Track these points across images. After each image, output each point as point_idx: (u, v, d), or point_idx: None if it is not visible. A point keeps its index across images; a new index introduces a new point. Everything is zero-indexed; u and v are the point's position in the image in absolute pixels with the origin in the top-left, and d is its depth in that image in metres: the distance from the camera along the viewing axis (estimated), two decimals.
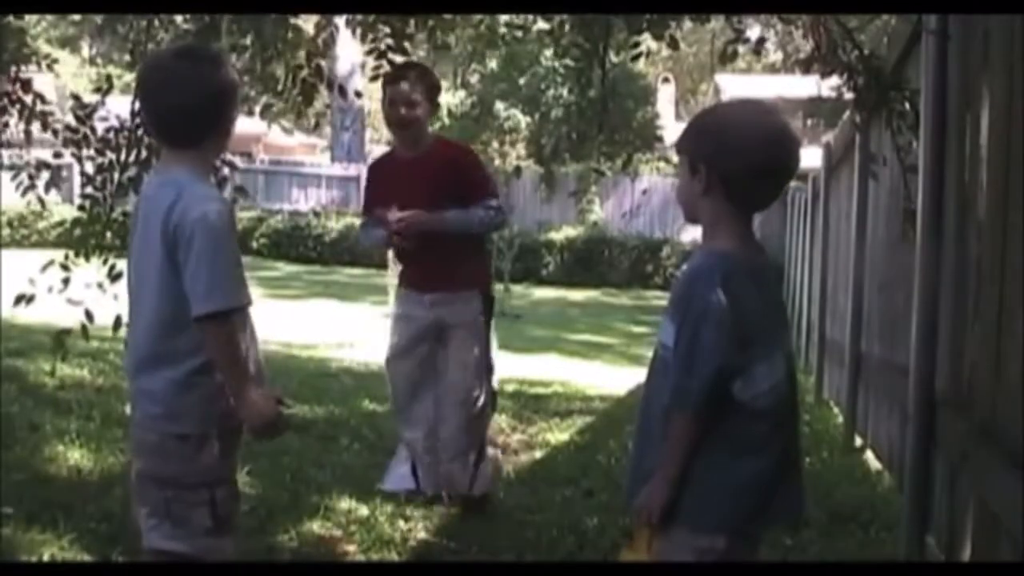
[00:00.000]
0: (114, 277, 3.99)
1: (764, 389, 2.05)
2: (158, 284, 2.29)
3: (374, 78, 4.32)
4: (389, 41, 4.16)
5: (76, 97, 4.23)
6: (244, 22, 4.06)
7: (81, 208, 4.25)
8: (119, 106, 4.32)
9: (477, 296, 4.11)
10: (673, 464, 2.05)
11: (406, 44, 4.19)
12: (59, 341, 4.18)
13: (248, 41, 4.14)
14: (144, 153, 4.14)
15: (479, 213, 4.03)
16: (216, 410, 2.32)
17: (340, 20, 4.74)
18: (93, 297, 3.88)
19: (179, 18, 4.24)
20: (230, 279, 2.26)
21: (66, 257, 4.08)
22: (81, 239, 4.17)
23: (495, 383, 4.30)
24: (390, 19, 4.12)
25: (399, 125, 4.07)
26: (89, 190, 4.17)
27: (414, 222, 3.92)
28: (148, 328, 2.33)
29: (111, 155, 4.17)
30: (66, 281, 3.97)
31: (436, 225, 3.95)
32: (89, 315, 3.99)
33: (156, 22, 4.17)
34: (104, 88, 4.25)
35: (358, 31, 4.34)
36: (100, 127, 4.25)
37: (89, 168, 4.21)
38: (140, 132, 4.13)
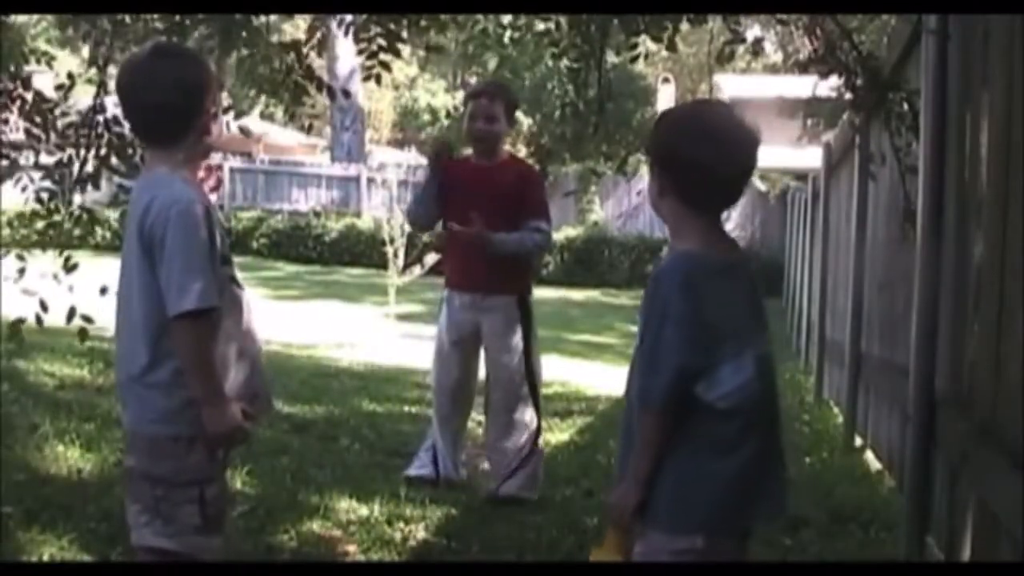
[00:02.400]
0: (69, 268, 4.06)
1: (729, 390, 2.03)
2: (139, 285, 2.30)
3: (367, 78, 4.37)
4: (382, 41, 4.15)
5: (38, 93, 4.20)
6: (214, 23, 4.05)
7: (39, 201, 4.24)
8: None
9: (513, 302, 4.31)
10: (642, 464, 2.06)
11: (399, 45, 4.18)
12: (14, 330, 4.22)
13: (215, 42, 4.13)
14: (104, 149, 4.17)
15: (533, 237, 4.28)
16: None
17: (331, 22, 4.72)
18: (49, 288, 3.99)
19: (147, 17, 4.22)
20: (201, 279, 2.24)
21: (20, 252, 4.13)
22: (41, 232, 4.23)
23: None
24: (382, 19, 4.11)
25: (478, 138, 4.31)
26: (47, 184, 4.18)
27: (478, 237, 4.14)
28: (134, 330, 2.33)
29: (71, 151, 4.17)
30: (21, 271, 4.05)
31: (496, 246, 4.19)
32: (43, 305, 4.05)
33: (127, 19, 4.17)
34: (67, 85, 4.23)
35: (351, 31, 4.33)
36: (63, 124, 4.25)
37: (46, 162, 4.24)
38: (100, 129, 4.17)
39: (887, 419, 4.53)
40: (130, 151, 4.20)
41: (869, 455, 5.16)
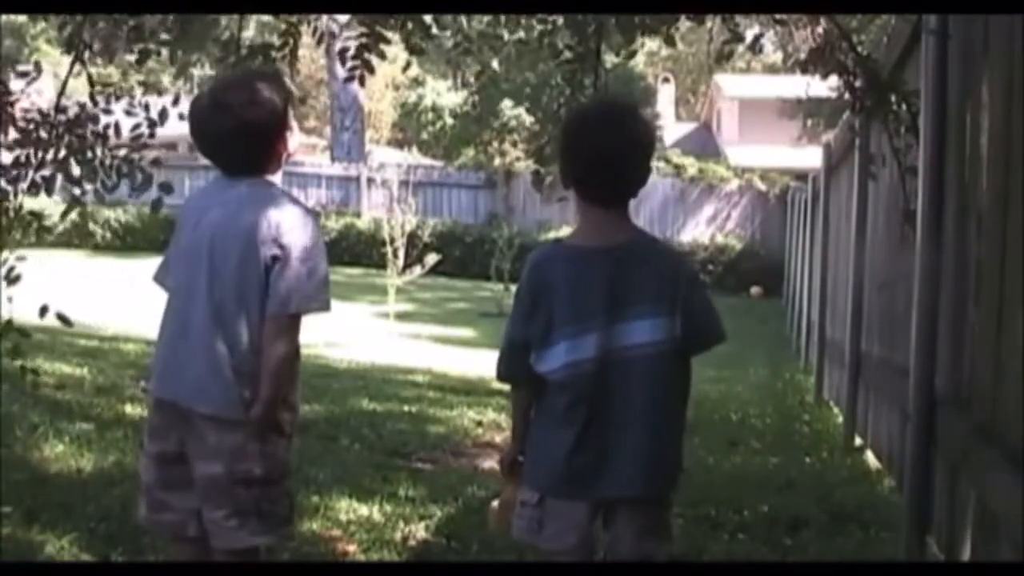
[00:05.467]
0: (11, 280, 3.87)
1: (556, 366, 2.21)
2: (247, 283, 2.39)
3: (348, 79, 4.30)
4: (365, 40, 4.11)
5: (1, 83, 3.98)
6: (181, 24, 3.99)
7: None
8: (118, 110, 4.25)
9: None
10: (512, 424, 2.41)
11: (382, 47, 4.16)
12: None
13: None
14: (63, 152, 3.96)
15: None
16: (297, 406, 2.53)
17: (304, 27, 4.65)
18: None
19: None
20: (328, 288, 2.50)
21: None
22: None
23: None
24: (366, 19, 4.07)
25: None
26: (1, 183, 3.95)
27: None
28: (234, 330, 2.40)
29: (30, 148, 3.94)
30: None
31: None
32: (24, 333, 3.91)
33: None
34: (32, 76, 4.04)
35: (336, 44, 4.28)
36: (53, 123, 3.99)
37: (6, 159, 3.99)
38: (62, 129, 3.98)
39: (887, 419, 4.53)
40: (89, 155, 4.01)
41: (869, 455, 5.16)
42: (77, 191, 4.04)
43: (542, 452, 2.29)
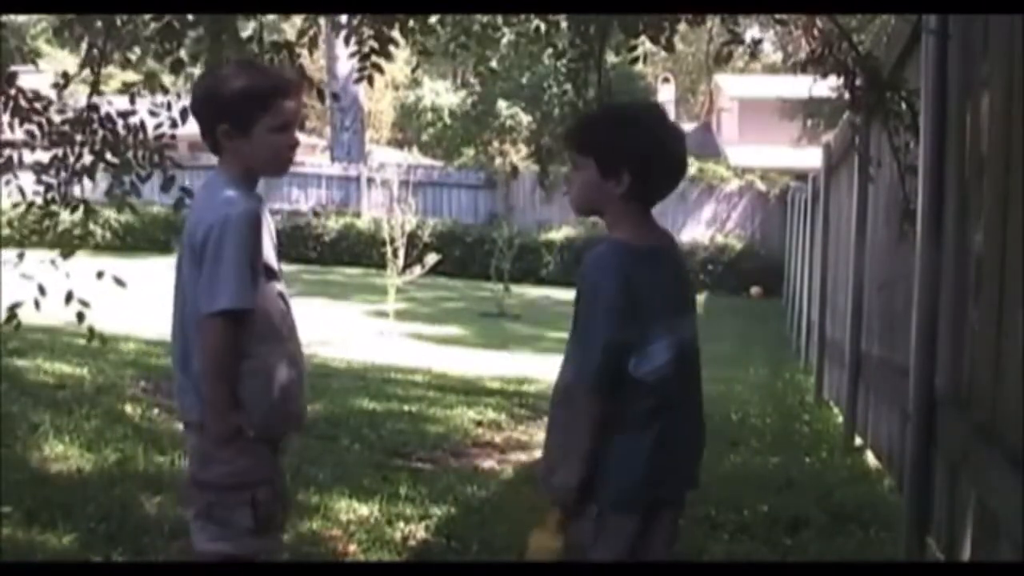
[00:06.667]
0: (66, 255, 4.29)
1: (651, 368, 2.15)
2: (191, 285, 2.36)
3: (358, 80, 4.36)
4: (374, 43, 4.16)
5: (33, 91, 4.33)
6: (205, 23, 4.09)
7: (45, 194, 4.43)
8: (117, 106, 4.41)
9: None
10: (584, 442, 2.13)
11: (394, 46, 4.19)
12: (11, 314, 4.41)
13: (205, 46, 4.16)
14: (98, 145, 4.34)
15: None
16: (259, 412, 2.37)
17: (323, 22, 4.74)
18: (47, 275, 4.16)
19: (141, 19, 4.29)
20: (236, 281, 2.29)
21: (23, 238, 4.38)
22: (38, 222, 4.47)
23: None
24: (374, 20, 4.11)
25: None
26: (45, 177, 4.37)
27: None
28: (192, 341, 2.38)
29: (66, 147, 4.32)
30: (21, 256, 4.24)
31: None
32: (41, 289, 4.24)
33: (118, 22, 4.23)
34: (62, 84, 4.38)
35: (343, 33, 4.34)
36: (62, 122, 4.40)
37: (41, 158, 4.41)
38: (95, 126, 4.33)
39: (887, 419, 4.53)
40: (122, 148, 4.36)
41: (869, 455, 5.16)
42: (119, 181, 4.39)
43: (619, 463, 2.16)
